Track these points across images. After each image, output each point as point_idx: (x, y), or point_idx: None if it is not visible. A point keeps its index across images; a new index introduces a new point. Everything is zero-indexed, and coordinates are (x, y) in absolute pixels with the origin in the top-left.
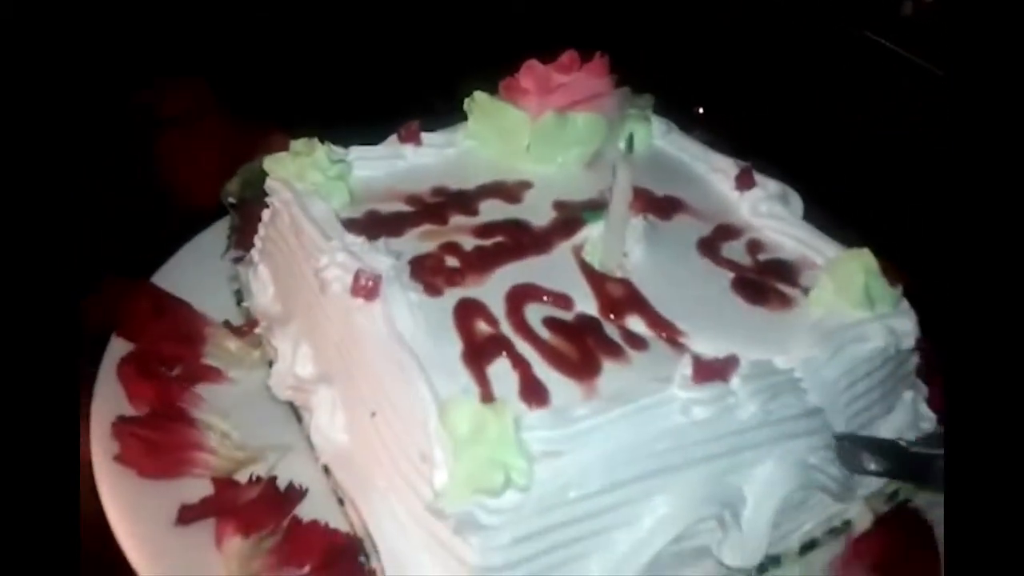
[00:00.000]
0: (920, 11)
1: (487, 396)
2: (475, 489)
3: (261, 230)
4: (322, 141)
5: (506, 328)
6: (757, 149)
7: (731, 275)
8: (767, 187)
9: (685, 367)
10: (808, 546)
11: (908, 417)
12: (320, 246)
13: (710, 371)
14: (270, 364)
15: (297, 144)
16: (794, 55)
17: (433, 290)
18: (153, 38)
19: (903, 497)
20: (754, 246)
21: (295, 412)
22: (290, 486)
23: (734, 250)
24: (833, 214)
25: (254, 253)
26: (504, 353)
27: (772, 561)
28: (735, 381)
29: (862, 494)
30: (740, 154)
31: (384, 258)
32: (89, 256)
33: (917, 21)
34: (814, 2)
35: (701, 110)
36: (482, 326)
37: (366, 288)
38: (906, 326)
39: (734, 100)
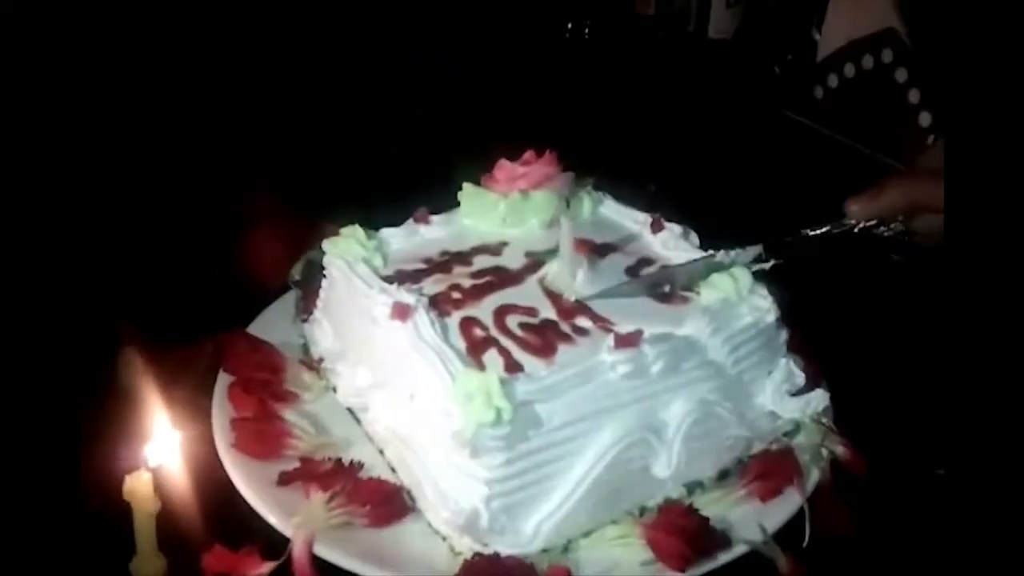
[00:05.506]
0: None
1: (481, 369)
2: (479, 424)
3: (322, 295)
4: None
5: (494, 332)
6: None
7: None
8: (673, 229)
9: (609, 340)
10: (723, 475)
11: (784, 375)
12: (367, 293)
13: (624, 340)
14: (333, 390)
15: (344, 229)
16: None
17: (444, 313)
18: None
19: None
20: (664, 268)
21: (354, 417)
22: (351, 461)
23: (650, 272)
24: None
25: (316, 313)
26: (493, 347)
27: (697, 485)
28: (644, 346)
29: (761, 428)
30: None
31: (410, 295)
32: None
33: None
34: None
35: (652, 187)
36: (477, 332)
37: (401, 313)
38: (766, 305)
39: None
